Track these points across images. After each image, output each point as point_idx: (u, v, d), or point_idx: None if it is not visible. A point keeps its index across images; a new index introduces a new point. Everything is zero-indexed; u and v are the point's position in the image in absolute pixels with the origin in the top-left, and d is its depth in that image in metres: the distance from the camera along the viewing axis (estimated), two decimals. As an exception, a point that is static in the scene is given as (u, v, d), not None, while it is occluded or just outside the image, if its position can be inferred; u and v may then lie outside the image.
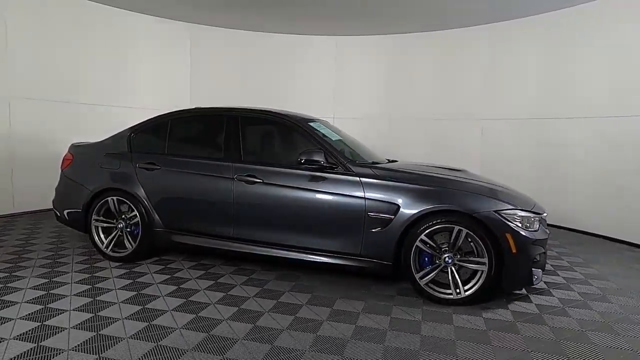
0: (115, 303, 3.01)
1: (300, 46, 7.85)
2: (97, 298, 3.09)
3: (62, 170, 4.27)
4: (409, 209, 3.18)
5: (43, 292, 3.16)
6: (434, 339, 2.60)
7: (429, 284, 3.19)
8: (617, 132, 5.27)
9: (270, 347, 2.44)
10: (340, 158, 3.45)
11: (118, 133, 4.19)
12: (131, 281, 3.46)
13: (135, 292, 3.22)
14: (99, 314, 2.82)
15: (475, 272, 3.15)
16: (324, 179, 3.40)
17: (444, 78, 7.28)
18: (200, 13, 6.84)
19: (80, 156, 4.18)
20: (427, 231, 3.15)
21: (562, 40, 5.93)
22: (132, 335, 2.55)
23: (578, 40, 5.74)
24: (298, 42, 7.82)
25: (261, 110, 3.86)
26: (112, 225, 3.96)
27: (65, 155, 4.31)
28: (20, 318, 2.73)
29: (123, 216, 3.94)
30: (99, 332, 2.57)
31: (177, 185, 3.77)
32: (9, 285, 3.28)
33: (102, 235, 4.00)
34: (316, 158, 3.36)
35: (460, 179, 3.41)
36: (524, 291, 3.44)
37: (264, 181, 3.52)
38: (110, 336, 2.52)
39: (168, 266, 3.86)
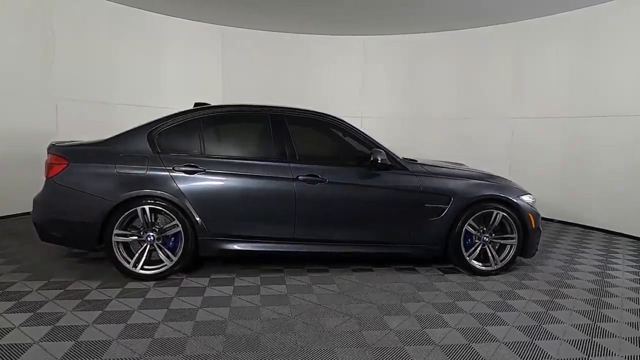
0: (222, 318, 2.75)
1: (328, 46, 7.97)
2: (199, 319, 2.76)
3: (50, 178, 3.41)
4: (460, 199, 3.75)
5: (121, 325, 2.64)
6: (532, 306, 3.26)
7: (473, 261, 3.84)
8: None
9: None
10: (395, 157, 3.78)
11: (128, 132, 3.58)
12: (201, 297, 3.14)
13: (228, 307, 2.97)
14: (229, 333, 2.58)
15: (502, 246, 3.92)
16: (385, 176, 3.69)
17: (470, 77, 7.32)
18: (231, 15, 7.07)
19: (82, 160, 3.43)
20: (473, 216, 3.78)
21: (592, 37, 5.87)
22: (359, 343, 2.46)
23: (609, 37, 5.68)
24: (326, 42, 7.96)
25: (307, 111, 3.86)
26: (141, 239, 3.42)
27: (50, 159, 3.45)
28: (192, 357, 2.31)
29: (154, 227, 3.44)
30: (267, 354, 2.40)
31: (228, 189, 3.49)
32: (67, 324, 2.62)
33: (123, 252, 3.42)
34: (381, 157, 3.62)
35: (490, 173, 4.11)
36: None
37: (328, 180, 3.60)
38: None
39: (212, 277, 3.56)
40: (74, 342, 2.42)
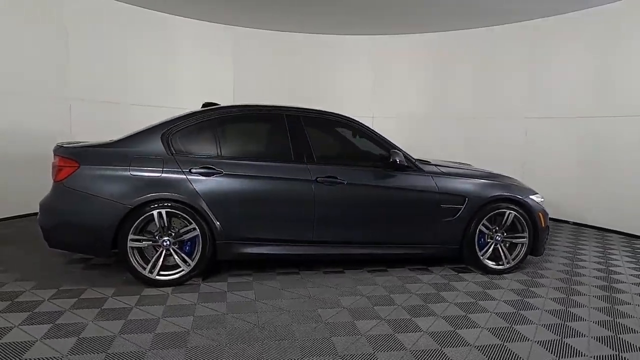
0: (253, 325, 2.69)
1: (339, 46, 7.96)
2: (229, 326, 2.68)
3: (59, 181, 3.24)
4: (474, 199, 3.80)
5: (150, 334, 2.55)
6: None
7: (486, 260, 3.90)
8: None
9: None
10: (411, 158, 3.80)
11: (140, 133, 3.45)
12: (224, 302, 3.05)
13: (255, 312, 2.90)
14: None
15: (512, 245, 4.00)
16: (402, 177, 3.70)
17: (483, 76, 7.21)
18: (243, 16, 7.08)
19: (93, 162, 3.27)
20: (486, 216, 3.84)
21: (609, 37, 5.77)
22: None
23: (626, 36, 5.58)
24: (337, 42, 7.96)
25: (323, 111, 3.81)
26: (156, 244, 3.30)
27: (58, 161, 3.28)
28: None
29: (170, 231, 3.33)
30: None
31: (246, 191, 3.41)
32: (92, 336, 2.50)
33: (138, 258, 3.29)
34: (399, 159, 3.62)
35: (498, 173, 4.17)
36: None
37: (347, 182, 3.57)
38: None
39: (230, 281, 3.49)
40: (104, 354, 2.31)
